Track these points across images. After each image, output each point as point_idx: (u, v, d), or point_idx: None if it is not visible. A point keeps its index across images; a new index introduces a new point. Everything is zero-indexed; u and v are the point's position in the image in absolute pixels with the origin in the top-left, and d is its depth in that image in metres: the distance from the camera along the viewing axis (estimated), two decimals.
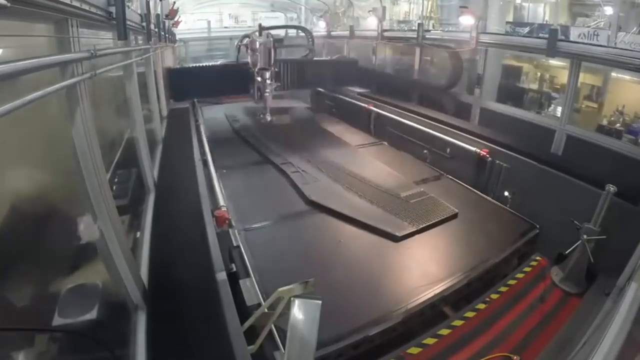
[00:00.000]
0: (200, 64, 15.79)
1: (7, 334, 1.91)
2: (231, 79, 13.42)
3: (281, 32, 16.32)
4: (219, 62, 17.72)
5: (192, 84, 12.95)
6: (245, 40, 12.99)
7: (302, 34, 16.13)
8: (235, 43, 14.08)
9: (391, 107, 12.24)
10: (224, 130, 13.62)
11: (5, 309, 2.15)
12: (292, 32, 18.46)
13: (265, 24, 22.47)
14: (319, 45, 20.09)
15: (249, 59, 12.43)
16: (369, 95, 13.85)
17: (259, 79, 12.19)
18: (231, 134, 13.22)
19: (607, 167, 6.86)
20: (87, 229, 2.97)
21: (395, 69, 15.16)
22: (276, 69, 12.42)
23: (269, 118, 12.81)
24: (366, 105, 13.32)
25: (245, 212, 7.43)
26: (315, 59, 15.44)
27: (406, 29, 14.33)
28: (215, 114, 15.34)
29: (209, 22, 21.35)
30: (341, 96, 15.14)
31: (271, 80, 12.19)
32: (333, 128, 13.67)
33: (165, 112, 10.53)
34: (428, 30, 12.07)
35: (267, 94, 12.28)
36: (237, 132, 13.14)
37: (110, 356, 2.29)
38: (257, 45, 11.72)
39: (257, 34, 12.06)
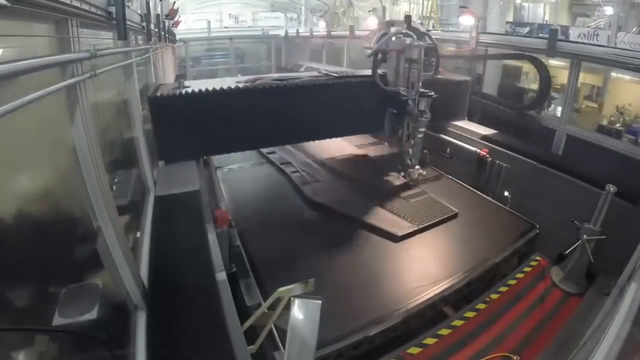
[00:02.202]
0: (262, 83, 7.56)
1: (7, 334, 1.91)
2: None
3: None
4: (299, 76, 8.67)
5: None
6: (375, 40, 8.25)
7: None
8: (367, 44, 8.49)
9: None
10: None
11: (6, 309, 2.15)
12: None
13: (264, 24, 22.57)
14: (318, 46, 19.91)
15: (385, 73, 8.12)
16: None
17: (411, 109, 7.77)
18: None
19: (607, 167, 6.86)
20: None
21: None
22: (435, 96, 8.04)
23: (416, 174, 8.45)
24: None
25: (246, 212, 7.43)
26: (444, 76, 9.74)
27: None
28: None
29: (209, 22, 21.34)
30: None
31: (426, 110, 8.03)
32: None
33: None
34: (428, 30, 12.07)
35: (420, 135, 8.12)
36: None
37: (110, 356, 2.29)
38: (415, 53, 7.66)
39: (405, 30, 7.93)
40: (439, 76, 9.17)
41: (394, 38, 8.06)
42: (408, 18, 8.18)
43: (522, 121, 8.81)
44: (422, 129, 8.07)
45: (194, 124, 6.53)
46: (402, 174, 8.72)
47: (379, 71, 8.12)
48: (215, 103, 6.67)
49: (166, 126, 6.34)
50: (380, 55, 8.07)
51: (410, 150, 8.33)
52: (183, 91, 6.44)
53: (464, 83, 9.95)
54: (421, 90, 7.85)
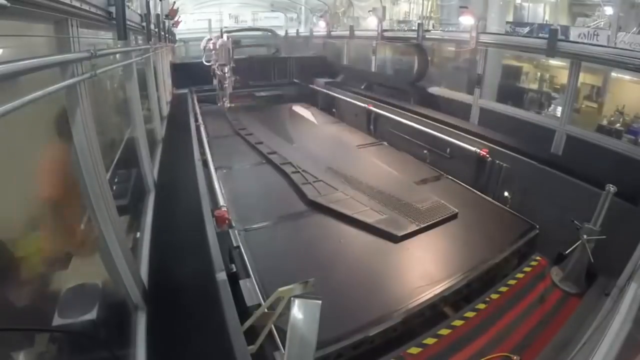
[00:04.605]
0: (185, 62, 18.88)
1: (7, 334, 1.91)
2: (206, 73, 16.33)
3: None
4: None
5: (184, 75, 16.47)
6: (204, 42, 16.09)
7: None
8: (201, 44, 16.34)
9: (390, 107, 12.25)
10: (224, 129, 13.63)
11: (6, 309, 2.15)
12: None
13: (264, 24, 22.72)
14: (318, 45, 20.30)
15: (212, 57, 15.23)
16: (336, 85, 16.15)
17: (219, 72, 15.03)
18: (231, 133, 13.23)
19: (607, 167, 6.86)
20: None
21: (364, 64, 17.18)
22: (233, 65, 14.78)
23: (227, 105, 15.44)
24: (366, 106, 13.32)
25: (245, 212, 7.42)
26: (283, 55, 18.79)
27: (406, 29, 14.34)
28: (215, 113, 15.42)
29: (209, 21, 21.36)
30: (341, 96, 15.13)
31: (230, 74, 14.87)
32: (333, 128, 13.67)
33: (165, 112, 10.55)
34: (428, 30, 12.08)
35: (226, 85, 15.10)
36: (237, 131, 13.15)
37: (110, 356, 2.29)
38: (218, 46, 14.65)
39: (216, 36, 14.79)
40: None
41: (213, 40, 14.84)
42: (221, 29, 14.55)
43: (411, 90, 13.36)
44: (226, 82, 14.53)
45: (187, 73, 16.30)
46: (220, 103, 15.45)
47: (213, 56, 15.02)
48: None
49: (177, 73, 15.56)
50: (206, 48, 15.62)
51: (223, 92, 15.09)
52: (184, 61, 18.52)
53: (321, 58, 19.09)
54: (222, 63, 14.21)
